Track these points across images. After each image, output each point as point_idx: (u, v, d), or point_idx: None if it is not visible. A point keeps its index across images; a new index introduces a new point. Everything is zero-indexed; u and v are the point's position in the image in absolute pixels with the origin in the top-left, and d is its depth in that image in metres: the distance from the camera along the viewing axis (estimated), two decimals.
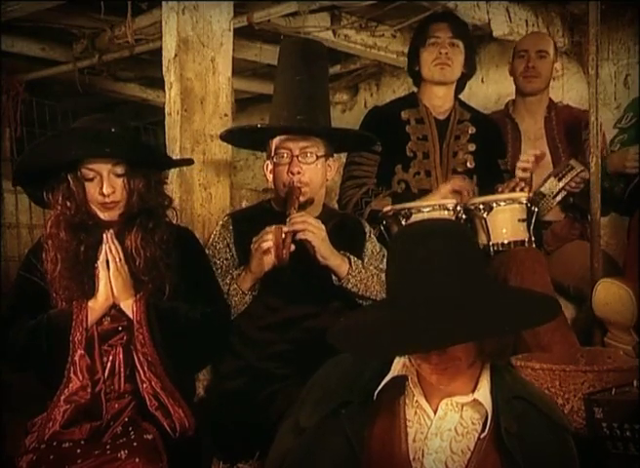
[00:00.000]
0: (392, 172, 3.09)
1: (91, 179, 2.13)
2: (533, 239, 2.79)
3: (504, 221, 2.77)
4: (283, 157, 2.47)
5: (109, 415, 2.07)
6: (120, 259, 2.14)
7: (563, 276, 3.04)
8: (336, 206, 3.13)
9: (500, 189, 2.96)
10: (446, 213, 2.73)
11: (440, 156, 3.12)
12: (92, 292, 2.14)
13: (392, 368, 1.66)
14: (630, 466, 1.96)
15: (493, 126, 3.33)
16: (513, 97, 3.53)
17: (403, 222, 2.70)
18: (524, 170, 2.97)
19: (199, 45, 2.76)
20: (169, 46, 2.77)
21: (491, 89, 4.33)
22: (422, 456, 1.61)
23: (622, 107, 3.60)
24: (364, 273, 2.47)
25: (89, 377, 2.07)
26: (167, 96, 2.79)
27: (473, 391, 1.62)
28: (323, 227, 2.40)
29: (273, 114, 2.55)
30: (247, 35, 3.84)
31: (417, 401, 1.65)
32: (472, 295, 1.52)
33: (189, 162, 2.51)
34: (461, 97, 3.29)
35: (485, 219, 2.75)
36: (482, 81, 4.32)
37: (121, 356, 2.13)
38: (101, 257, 2.13)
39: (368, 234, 2.63)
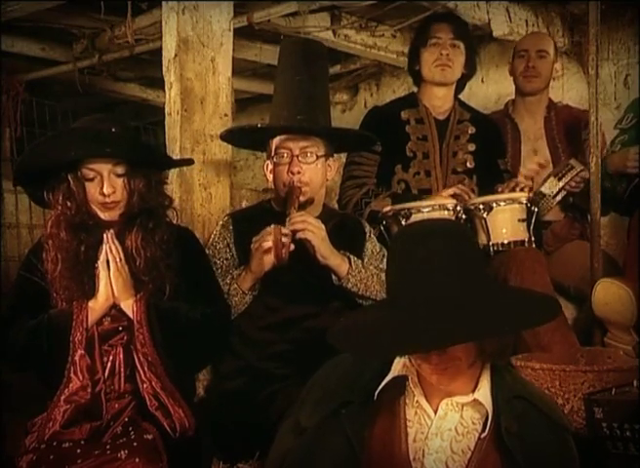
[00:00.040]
0: (392, 172, 3.10)
1: (91, 179, 2.13)
2: (533, 239, 2.79)
3: (504, 221, 2.77)
4: (283, 157, 2.47)
5: (109, 415, 2.07)
6: (120, 259, 2.14)
7: (563, 276, 3.04)
8: (336, 206, 3.13)
9: (499, 189, 2.96)
10: (446, 213, 2.73)
11: (440, 156, 3.12)
12: (92, 292, 2.14)
13: (392, 368, 1.66)
14: (630, 466, 1.96)
15: (492, 126, 3.33)
16: (513, 97, 3.53)
17: (403, 222, 2.70)
18: (528, 178, 2.98)
19: (199, 45, 2.76)
20: (169, 46, 2.77)
21: (491, 89, 4.33)
22: (423, 456, 1.61)
23: (622, 107, 3.61)
24: (364, 273, 2.47)
25: (89, 377, 2.07)
26: (167, 96, 2.79)
27: (473, 391, 1.62)
28: (323, 227, 2.40)
29: (273, 114, 2.56)
30: (247, 35, 3.84)
31: (417, 401, 1.65)
32: (472, 295, 1.52)
33: (189, 162, 2.51)
34: (461, 97, 3.29)
35: (485, 219, 2.75)
36: (482, 81, 4.31)
37: (121, 356, 2.13)
38: (102, 257, 2.13)
39: (368, 234, 2.63)
